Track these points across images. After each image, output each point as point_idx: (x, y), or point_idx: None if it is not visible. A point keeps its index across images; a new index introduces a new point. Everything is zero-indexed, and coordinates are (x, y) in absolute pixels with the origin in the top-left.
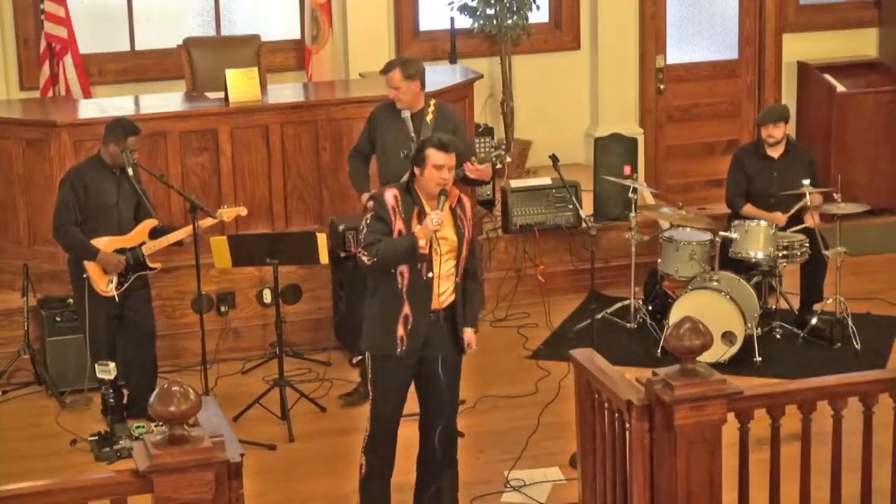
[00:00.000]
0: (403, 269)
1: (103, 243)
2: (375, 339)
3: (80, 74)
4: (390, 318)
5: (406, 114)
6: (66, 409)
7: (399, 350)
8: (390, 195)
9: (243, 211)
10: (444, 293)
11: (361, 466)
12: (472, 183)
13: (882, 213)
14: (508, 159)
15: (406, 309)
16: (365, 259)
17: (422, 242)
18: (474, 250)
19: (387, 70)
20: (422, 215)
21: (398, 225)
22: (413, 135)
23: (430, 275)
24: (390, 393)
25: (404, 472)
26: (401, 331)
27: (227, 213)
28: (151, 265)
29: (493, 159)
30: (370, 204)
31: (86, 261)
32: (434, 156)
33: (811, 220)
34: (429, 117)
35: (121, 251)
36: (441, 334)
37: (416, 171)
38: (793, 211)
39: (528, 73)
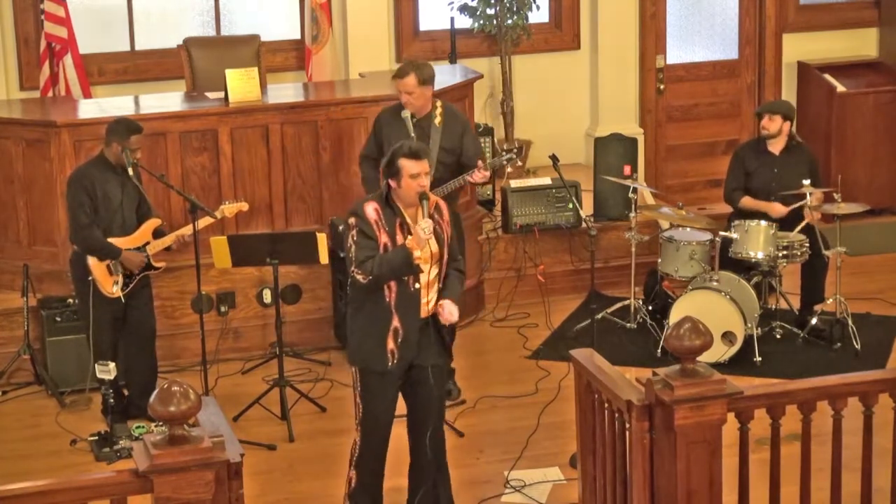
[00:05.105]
0: (391, 282)
1: None
2: (365, 354)
3: (80, 74)
4: (380, 333)
5: (406, 114)
6: (66, 409)
7: (390, 364)
8: (371, 209)
9: (245, 206)
10: (430, 301)
11: (350, 480)
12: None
13: (882, 213)
14: (519, 163)
15: (395, 322)
16: (360, 278)
17: (417, 253)
18: (453, 250)
19: (401, 75)
20: (404, 226)
21: (383, 239)
22: (413, 135)
23: (417, 286)
24: (381, 406)
25: (398, 475)
26: (391, 344)
27: (229, 209)
28: (156, 264)
29: (504, 162)
30: (352, 220)
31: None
32: (408, 166)
33: (811, 217)
34: (437, 120)
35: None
36: (429, 340)
37: (392, 182)
38: (794, 206)
39: (528, 73)
